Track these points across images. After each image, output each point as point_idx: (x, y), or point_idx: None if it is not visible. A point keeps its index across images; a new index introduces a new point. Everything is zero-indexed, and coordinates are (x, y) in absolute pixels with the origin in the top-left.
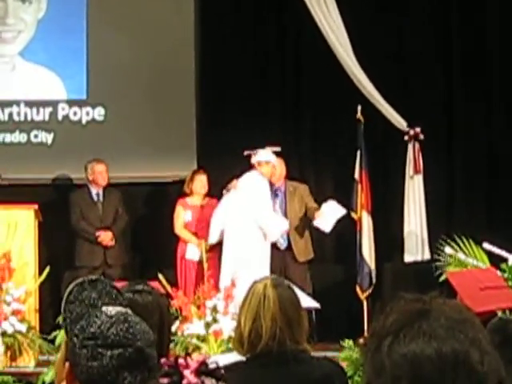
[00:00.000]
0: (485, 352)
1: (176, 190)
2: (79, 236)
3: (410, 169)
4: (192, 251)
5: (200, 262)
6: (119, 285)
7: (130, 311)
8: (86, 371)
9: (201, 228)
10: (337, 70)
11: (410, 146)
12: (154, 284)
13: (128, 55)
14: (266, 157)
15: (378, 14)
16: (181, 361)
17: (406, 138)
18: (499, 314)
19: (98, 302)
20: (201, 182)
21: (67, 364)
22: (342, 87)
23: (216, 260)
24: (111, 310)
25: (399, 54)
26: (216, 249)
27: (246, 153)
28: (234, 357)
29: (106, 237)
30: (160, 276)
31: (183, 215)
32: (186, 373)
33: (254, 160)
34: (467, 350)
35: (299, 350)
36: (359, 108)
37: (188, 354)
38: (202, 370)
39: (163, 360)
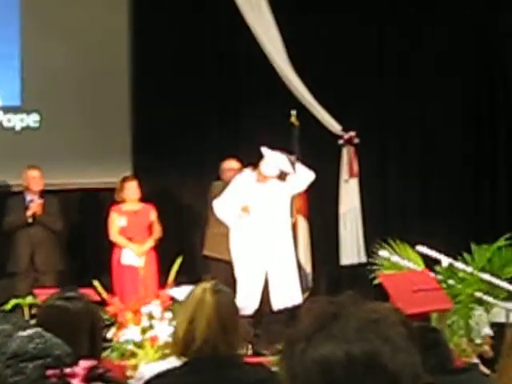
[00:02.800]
0: (398, 349)
1: (111, 197)
2: (11, 231)
3: (344, 172)
4: (128, 256)
5: (136, 268)
6: (50, 292)
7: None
8: None
9: (136, 233)
10: (270, 73)
11: (345, 150)
12: (88, 291)
13: (62, 61)
14: (269, 172)
15: (311, 14)
16: (67, 370)
17: (340, 141)
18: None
19: (13, 333)
20: (131, 189)
21: None
22: (276, 90)
23: (152, 265)
24: (27, 331)
25: (334, 56)
26: (152, 253)
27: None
28: (169, 364)
29: (35, 204)
30: (95, 283)
31: (118, 221)
32: (74, 382)
33: (262, 167)
34: (378, 349)
35: (233, 355)
36: (293, 112)
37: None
38: (91, 375)
39: (49, 371)
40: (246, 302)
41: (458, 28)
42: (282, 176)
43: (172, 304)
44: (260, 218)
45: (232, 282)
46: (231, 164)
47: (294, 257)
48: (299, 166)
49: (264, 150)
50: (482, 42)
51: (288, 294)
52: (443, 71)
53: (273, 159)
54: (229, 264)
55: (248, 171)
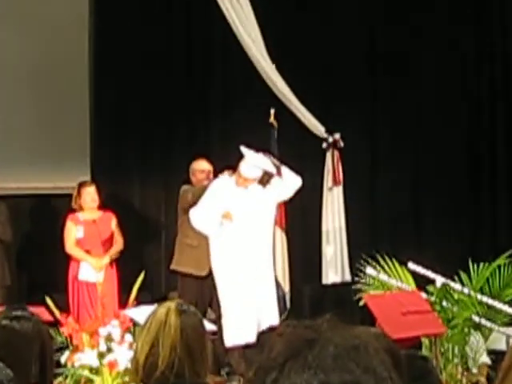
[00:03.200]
0: (380, 380)
1: (68, 203)
2: None
3: (328, 180)
4: (85, 271)
5: (95, 284)
6: None
7: None
8: None
9: (95, 245)
10: (248, 69)
11: (329, 155)
12: (39, 309)
13: (18, 61)
14: (250, 174)
15: (296, 12)
16: None
17: (324, 145)
18: (423, 340)
19: None
20: (89, 195)
21: None
22: (254, 88)
23: (112, 281)
24: None
25: (318, 55)
26: (112, 268)
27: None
28: None
29: None
30: (48, 300)
31: (75, 231)
32: None
33: (242, 168)
34: (358, 380)
35: (199, 383)
36: (272, 111)
37: None
38: None
39: None
40: (241, 328)
41: (457, 26)
42: (265, 180)
43: (133, 325)
44: (242, 227)
45: (202, 300)
46: (202, 165)
47: (273, 272)
48: (285, 170)
49: (243, 149)
50: (483, 43)
51: (265, 315)
52: (440, 72)
53: (253, 159)
54: (199, 280)
55: (225, 176)
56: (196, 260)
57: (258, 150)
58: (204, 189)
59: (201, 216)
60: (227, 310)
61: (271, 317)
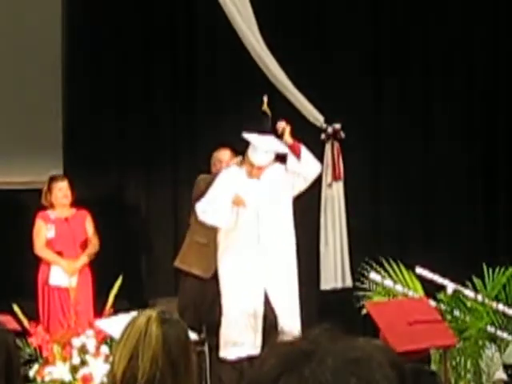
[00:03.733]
0: None
1: (37, 199)
2: None
3: (327, 174)
4: (57, 275)
5: (67, 289)
6: None
7: None
8: None
9: (67, 246)
10: (240, 53)
11: (328, 147)
12: (4, 317)
13: None
14: (263, 161)
15: None
16: None
17: (323, 136)
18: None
19: None
20: (61, 191)
21: None
22: (247, 74)
23: (87, 286)
24: None
25: (317, 38)
26: (87, 272)
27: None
28: None
29: None
30: (15, 307)
31: (45, 231)
32: None
33: (253, 157)
34: None
35: None
36: (265, 98)
37: None
38: None
39: None
40: (243, 338)
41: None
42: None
43: (110, 336)
44: (257, 224)
45: (203, 304)
46: (223, 155)
47: (296, 273)
48: (305, 152)
49: (247, 136)
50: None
51: (289, 320)
52: (448, 60)
53: (263, 144)
54: (203, 281)
55: (234, 166)
56: (203, 259)
57: (260, 132)
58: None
59: (208, 206)
60: (229, 317)
61: (292, 326)
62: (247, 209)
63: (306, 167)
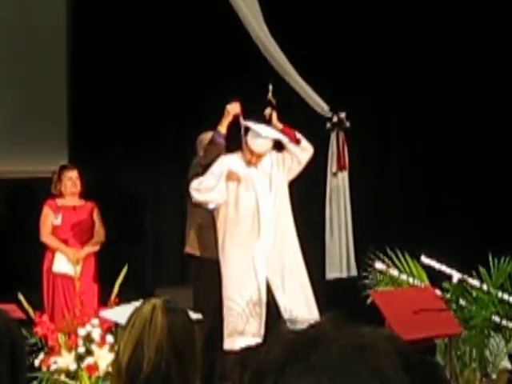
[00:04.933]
0: (389, 382)
1: (44, 188)
2: None
3: (332, 164)
4: (60, 263)
5: (72, 278)
6: None
7: None
8: None
9: (73, 234)
10: (245, 41)
11: (333, 136)
12: (9, 306)
13: None
14: (263, 147)
15: None
16: None
17: (328, 125)
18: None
19: None
20: (70, 180)
21: None
22: (251, 62)
23: (92, 276)
24: None
25: (323, 25)
26: (92, 261)
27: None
28: None
29: None
30: (20, 296)
31: (52, 218)
32: None
33: (253, 143)
34: (365, 383)
35: None
36: (270, 87)
37: None
38: None
39: None
40: (249, 325)
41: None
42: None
43: (115, 325)
44: (257, 211)
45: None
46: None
47: (301, 259)
48: (299, 135)
49: (247, 123)
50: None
51: (305, 306)
52: (455, 50)
53: (264, 130)
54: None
55: (233, 156)
56: (208, 241)
57: (256, 119)
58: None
59: (200, 185)
60: (232, 305)
61: (309, 313)
62: (247, 192)
63: (303, 150)
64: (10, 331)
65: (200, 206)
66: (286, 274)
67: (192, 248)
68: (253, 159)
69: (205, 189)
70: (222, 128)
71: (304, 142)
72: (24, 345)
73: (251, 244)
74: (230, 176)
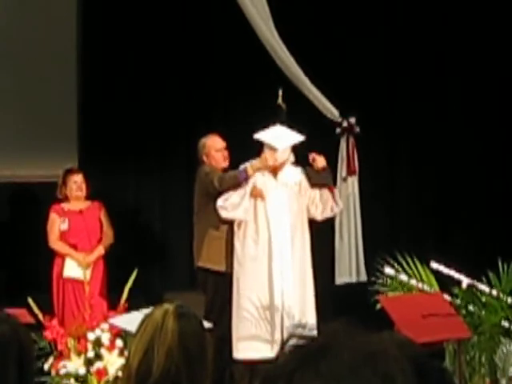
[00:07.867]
0: None
1: (51, 192)
2: None
3: (342, 169)
4: (71, 268)
5: (81, 283)
6: None
7: None
8: None
9: (81, 238)
10: (254, 45)
11: (343, 141)
12: (19, 311)
13: (2, 47)
14: (280, 159)
15: None
16: None
17: (338, 130)
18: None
19: None
20: (75, 184)
21: None
22: (261, 66)
23: (101, 280)
24: None
25: (331, 31)
26: (101, 265)
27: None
28: None
29: None
30: (29, 301)
31: (59, 223)
32: None
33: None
34: None
35: None
36: (280, 92)
37: None
38: None
39: None
40: (258, 339)
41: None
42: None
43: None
44: (277, 222)
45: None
46: (219, 143)
47: (310, 267)
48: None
49: (260, 136)
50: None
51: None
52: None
53: (277, 141)
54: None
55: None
56: (218, 253)
57: (265, 126)
58: (228, 173)
59: (226, 202)
60: (242, 315)
61: (306, 320)
62: (266, 201)
63: (332, 210)
64: (18, 337)
65: (228, 222)
66: (296, 283)
67: (207, 262)
68: (275, 168)
69: (230, 206)
70: (251, 171)
71: (336, 208)
72: (32, 350)
73: (268, 255)
74: (255, 193)
